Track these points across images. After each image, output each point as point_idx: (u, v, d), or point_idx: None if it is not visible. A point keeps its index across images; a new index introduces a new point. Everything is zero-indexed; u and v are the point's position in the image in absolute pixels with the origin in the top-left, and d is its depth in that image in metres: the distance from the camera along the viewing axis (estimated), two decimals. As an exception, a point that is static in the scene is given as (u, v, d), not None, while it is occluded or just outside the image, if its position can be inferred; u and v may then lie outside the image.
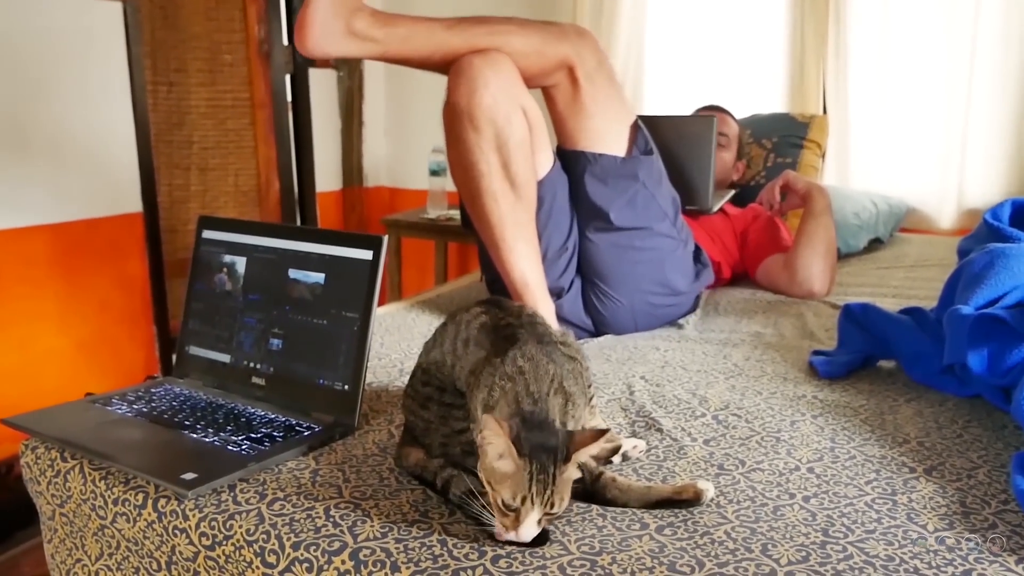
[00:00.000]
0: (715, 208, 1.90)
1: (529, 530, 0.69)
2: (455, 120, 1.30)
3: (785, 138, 2.31)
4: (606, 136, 1.47)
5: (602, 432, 0.71)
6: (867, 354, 1.22)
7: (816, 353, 1.26)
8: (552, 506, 0.69)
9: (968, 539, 0.73)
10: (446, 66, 1.35)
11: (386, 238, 1.01)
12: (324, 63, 3.08)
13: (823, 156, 2.39)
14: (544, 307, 1.36)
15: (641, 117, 1.80)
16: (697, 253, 1.62)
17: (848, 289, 1.77)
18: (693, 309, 1.60)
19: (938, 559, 0.70)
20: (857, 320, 1.24)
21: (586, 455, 0.71)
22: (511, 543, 0.72)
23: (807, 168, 2.30)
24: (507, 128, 1.29)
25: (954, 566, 0.69)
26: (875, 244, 2.20)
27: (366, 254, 1.01)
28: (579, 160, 1.47)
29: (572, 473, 0.70)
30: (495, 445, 0.69)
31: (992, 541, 0.73)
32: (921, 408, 1.07)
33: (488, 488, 0.70)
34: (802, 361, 1.27)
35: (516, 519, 0.69)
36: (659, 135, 1.82)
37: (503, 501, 0.69)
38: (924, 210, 2.39)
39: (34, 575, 1.61)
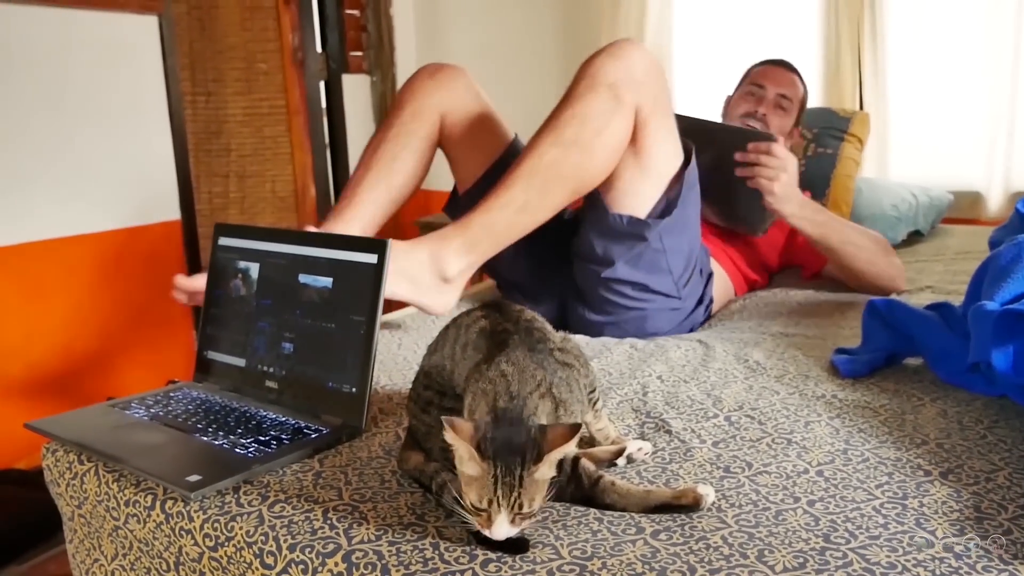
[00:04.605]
0: (763, 231, 1.71)
1: (501, 529, 0.69)
2: None
3: (826, 130, 2.26)
4: (637, 188, 1.35)
5: (575, 427, 0.69)
6: (891, 351, 1.18)
7: (839, 351, 1.23)
8: (521, 507, 0.68)
9: (978, 546, 0.70)
10: (550, 219, 1.30)
11: (391, 242, 1.01)
12: (357, 68, 3.11)
13: (862, 149, 2.33)
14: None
15: (691, 120, 1.59)
16: (700, 298, 1.53)
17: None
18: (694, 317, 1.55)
19: (943, 567, 0.67)
20: (882, 316, 1.20)
21: (561, 454, 0.69)
22: (488, 543, 0.71)
23: (847, 160, 2.23)
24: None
25: (960, 574, 0.66)
26: (915, 237, 2.13)
27: (371, 258, 1.01)
28: (595, 202, 1.40)
29: (545, 472, 0.69)
30: (459, 449, 0.68)
31: (993, 540, 0.70)
32: (946, 408, 1.03)
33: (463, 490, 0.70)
34: (827, 360, 1.24)
35: (488, 519, 0.69)
36: (709, 143, 1.56)
37: (471, 503, 0.69)
38: (970, 198, 2.31)
39: (58, 574, 1.66)
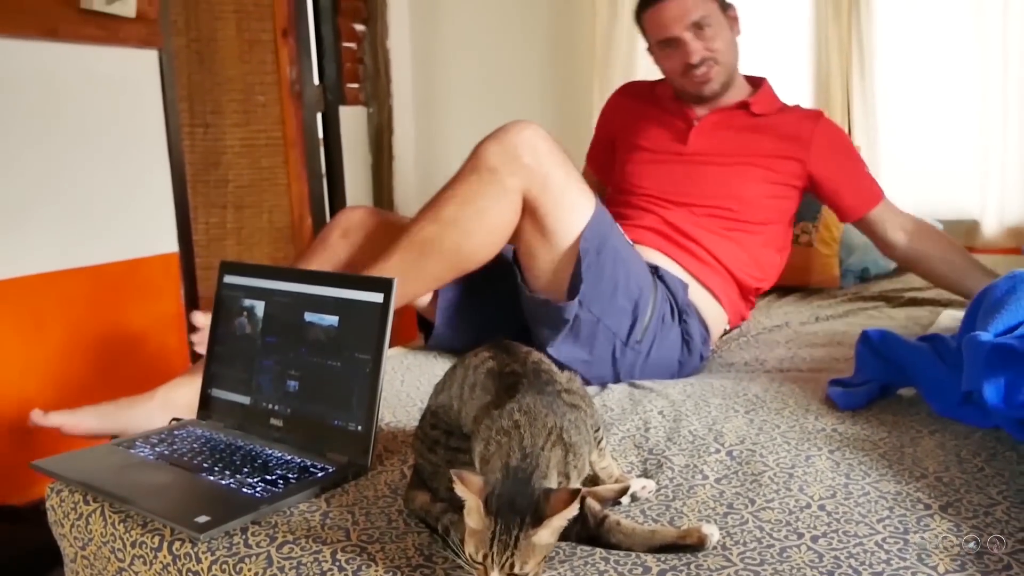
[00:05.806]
0: None
1: None
2: None
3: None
4: (551, 266, 1.34)
5: (575, 493, 0.70)
6: (885, 382, 1.20)
7: (834, 382, 1.24)
8: (512, 567, 0.68)
9: (979, 582, 0.72)
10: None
11: (396, 281, 1.03)
12: (354, 100, 3.15)
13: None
14: None
15: None
16: (687, 340, 1.46)
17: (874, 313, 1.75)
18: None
19: (946, 604, 0.69)
20: (875, 347, 1.21)
21: (563, 520, 0.70)
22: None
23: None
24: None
25: (962, 611, 0.68)
26: (908, 265, 2.16)
27: (377, 297, 1.03)
28: (520, 285, 1.40)
29: (544, 537, 0.69)
30: (467, 500, 0.70)
31: (991, 543, 0.72)
32: (944, 441, 1.05)
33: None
34: (824, 392, 1.25)
35: (484, 571, 0.70)
36: None
37: (469, 553, 0.70)
38: (965, 226, 2.34)
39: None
